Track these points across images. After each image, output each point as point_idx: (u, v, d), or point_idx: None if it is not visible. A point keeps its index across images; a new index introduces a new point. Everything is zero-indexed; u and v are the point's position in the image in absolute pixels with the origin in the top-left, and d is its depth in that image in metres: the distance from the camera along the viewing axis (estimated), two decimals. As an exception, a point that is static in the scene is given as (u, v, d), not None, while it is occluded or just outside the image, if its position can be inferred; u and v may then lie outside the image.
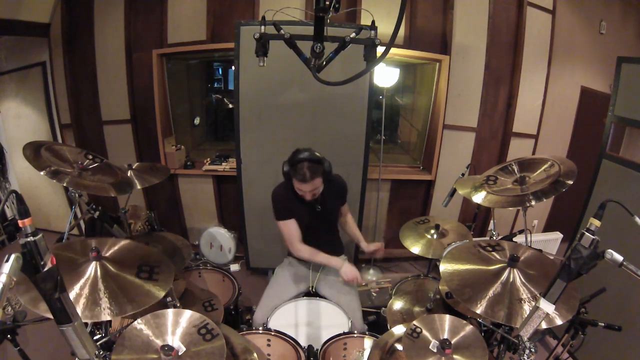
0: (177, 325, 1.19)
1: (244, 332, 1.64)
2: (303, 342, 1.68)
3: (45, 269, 0.85)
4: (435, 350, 1.26)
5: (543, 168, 1.76)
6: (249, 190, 2.95)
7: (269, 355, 1.64)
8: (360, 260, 3.48)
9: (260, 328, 1.71)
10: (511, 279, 1.33)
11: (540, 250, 1.54)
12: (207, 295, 2.01)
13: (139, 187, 2.26)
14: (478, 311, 1.23)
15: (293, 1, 2.63)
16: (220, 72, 4.39)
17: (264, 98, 2.70)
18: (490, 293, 1.28)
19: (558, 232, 3.23)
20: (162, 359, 1.08)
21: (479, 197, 1.80)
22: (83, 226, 3.23)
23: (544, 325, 1.18)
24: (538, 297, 1.04)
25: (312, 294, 2.08)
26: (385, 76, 2.96)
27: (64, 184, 1.66)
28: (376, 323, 2.21)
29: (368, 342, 1.66)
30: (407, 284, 2.39)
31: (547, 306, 1.02)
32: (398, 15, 0.97)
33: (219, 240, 3.39)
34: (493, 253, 1.47)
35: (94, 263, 1.26)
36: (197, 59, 3.89)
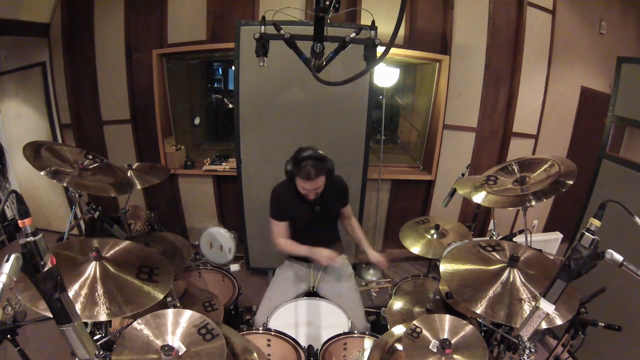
0: (177, 325, 1.19)
1: (244, 332, 1.64)
2: (303, 342, 1.68)
3: (45, 269, 0.85)
4: (435, 350, 1.26)
5: (543, 168, 1.77)
6: (249, 190, 2.95)
7: (269, 355, 1.64)
8: (360, 260, 3.48)
9: (260, 328, 1.71)
10: (511, 279, 1.33)
11: (540, 250, 1.54)
12: (207, 295, 2.01)
13: (139, 187, 2.26)
14: (478, 311, 1.23)
15: (293, 1, 2.63)
16: (220, 72, 4.39)
17: (264, 98, 2.70)
18: (490, 293, 1.28)
19: (558, 232, 3.23)
20: (162, 359, 1.09)
21: (479, 197, 1.80)
22: (83, 226, 3.24)
23: (544, 325, 1.18)
24: (538, 297, 1.04)
25: (313, 294, 2.08)
26: (385, 76, 2.96)
27: (64, 184, 1.66)
28: (376, 323, 2.21)
29: (368, 342, 1.66)
30: (407, 284, 2.39)
31: (547, 306, 1.02)
32: (398, 15, 0.97)
33: (219, 240, 3.39)
34: (493, 253, 1.47)
35: (93, 263, 1.26)
36: (197, 59, 3.89)
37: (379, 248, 3.66)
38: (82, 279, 1.20)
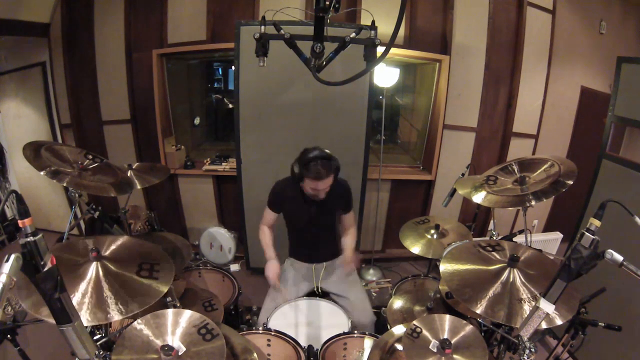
0: (177, 325, 1.19)
1: (244, 332, 1.64)
2: (303, 342, 1.68)
3: (45, 269, 0.85)
4: (435, 350, 1.26)
5: (543, 168, 1.77)
6: (249, 190, 2.95)
7: (269, 355, 1.64)
8: (360, 260, 3.48)
9: (260, 328, 1.71)
10: (511, 279, 1.33)
11: (540, 250, 1.54)
12: (207, 295, 2.01)
13: (139, 187, 2.26)
14: (478, 311, 1.23)
15: (293, 1, 2.64)
16: (220, 72, 4.39)
17: (264, 98, 2.70)
18: (490, 293, 1.28)
19: (558, 232, 3.23)
20: (162, 359, 1.09)
21: (479, 197, 1.80)
22: (83, 226, 3.24)
23: (544, 325, 1.18)
24: (538, 297, 1.04)
25: (318, 293, 2.08)
26: (385, 76, 2.96)
27: (64, 184, 1.66)
28: (376, 323, 2.21)
29: (368, 342, 1.66)
30: (407, 284, 2.39)
31: (547, 306, 1.02)
32: (398, 15, 0.97)
33: (219, 240, 3.39)
34: (493, 253, 1.47)
35: (94, 264, 1.26)
36: (197, 59, 3.89)
37: (379, 248, 3.66)
38: (86, 280, 1.20)
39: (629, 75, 2.12)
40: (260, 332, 1.67)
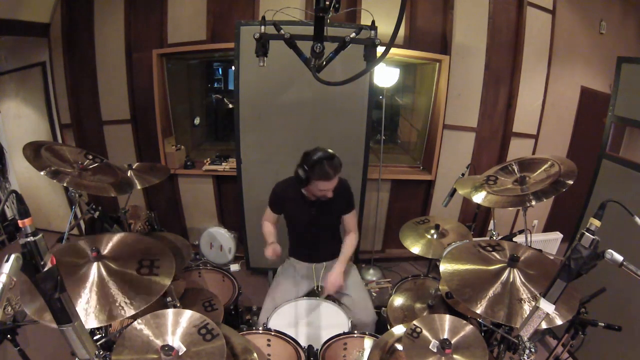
0: (177, 325, 1.19)
1: (244, 332, 1.64)
2: (303, 342, 1.68)
3: (45, 269, 0.85)
4: (435, 350, 1.26)
5: (543, 168, 1.77)
6: (249, 190, 2.95)
7: (269, 355, 1.64)
8: (361, 260, 3.48)
9: (260, 328, 1.71)
10: (511, 279, 1.33)
11: (540, 250, 1.54)
12: (207, 295, 2.01)
13: (139, 187, 2.26)
14: (478, 311, 1.23)
15: (293, 1, 2.64)
16: (220, 72, 4.39)
17: (264, 98, 2.70)
18: (490, 293, 1.28)
19: (558, 232, 3.23)
20: (162, 359, 1.09)
21: (479, 197, 1.80)
22: (83, 226, 3.24)
23: (544, 325, 1.18)
24: (538, 297, 1.04)
25: (318, 293, 2.08)
26: (385, 76, 2.96)
27: (64, 184, 1.66)
28: (376, 323, 2.21)
29: (368, 342, 1.66)
30: (407, 284, 2.39)
31: (547, 306, 1.02)
32: (398, 15, 0.97)
33: (219, 240, 3.39)
34: (493, 253, 1.47)
35: (95, 264, 1.26)
36: (197, 59, 3.89)
37: (379, 248, 3.66)
38: (90, 282, 1.21)
39: (629, 75, 2.12)
40: (260, 332, 1.67)
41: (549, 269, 1.37)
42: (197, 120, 3.92)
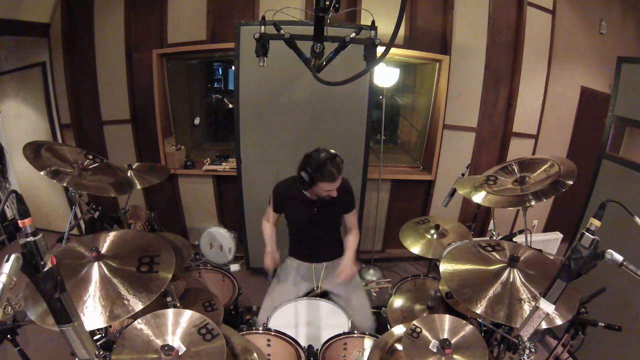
0: (177, 325, 1.19)
1: (244, 332, 1.64)
2: (303, 342, 1.68)
3: (45, 269, 0.85)
4: (435, 350, 1.26)
5: (543, 168, 1.77)
6: (249, 190, 2.95)
7: (269, 355, 1.64)
8: (361, 260, 3.48)
9: (260, 328, 1.71)
10: (511, 279, 1.33)
11: (540, 250, 1.54)
12: (207, 295, 2.01)
13: (139, 187, 2.27)
14: (478, 311, 1.23)
15: (293, 1, 2.64)
16: (220, 72, 4.39)
17: (264, 98, 2.70)
18: (490, 293, 1.28)
19: (558, 232, 3.23)
20: (162, 359, 1.09)
21: (479, 197, 1.80)
22: (83, 226, 3.24)
23: (544, 325, 1.18)
24: (538, 297, 1.04)
25: (318, 293, 2.08)
26: (385, 76, 2.96)
27: (64, 184, 1.66)
28: (376, 323, 2.21)
29: (368, 342, 1.66)
30: (407, 284, 2.39)
31: (547, 306, 1.02)
32: (398, 15, 0.97)
33: (219, 240, 3.39)
34: (493, 253, 1.47)
35: (96, 264, 1.26)
36: (197, 59, 3.89)
37: (379, 248, 3.66)
38: (93, 282, 1.21)
39: (629, 75, 2.12)
40: (260, 332, 1.67)
41: (549, 269, 1.37)
42: (197, 120, 3.92)
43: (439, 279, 2.03)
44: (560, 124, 3.52)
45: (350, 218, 2.15)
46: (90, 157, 1.91)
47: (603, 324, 1.53)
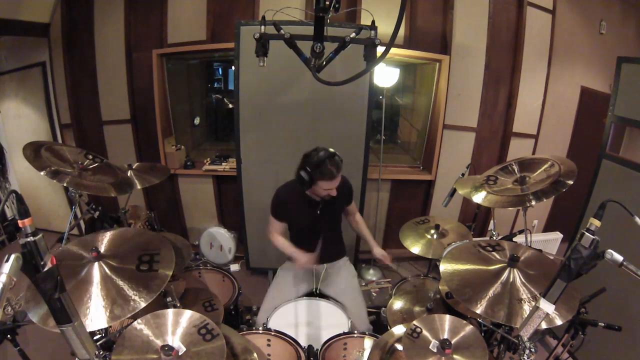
0: (177, 325, 1.19)
1: (244, 332, 1.64)
2: (303, 342, 1.68)
3: (45, 269, 0.85)
4: (435, 350, 1.26)
5: (543, 168, 1.77)
6: (249, 190, 2.95)
7: (269, 355, 1.64)
8: (360, 260, 3.48)
9: (260, 328, 1.71)
10: (511, 279, 1.33)
11: (540, 250, 1.54)
12: (207, 295, 2.01)
13: (139, 187, 2.27)
14: (478, 311, 1.23)
15: (293, 1, 2.64)
16: (220, 72, 4.39)
17: (264, 98, 2.70)
18: (490, 293, 1.28)
19: (558, 232, 3.23)
20: (162, 359, 1.08)
21: (479, 197, 1.80)
22: (83, 226, 3.24)
23: (544, 325, 1.18)
24: (538, 297, 1.04)
25: (316, 294, 2.08)
26: (385, 76, 2.96)
27: (64, 184, 1.66)
28: (376, 323, 2.21)
29: (368, 342, 1.66)
30: (407, 284, 2.39)
31: (547, 306, 1.02)
32: (398, 15, 0.97)
33: (219, 240, 3.39)
34: (493, 253, 1.47)
35: (96, 264, 1.26)
36: (197, 59, 3.89)
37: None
38: (94, 283, 1.21)
39: (629, 75, 2.12)
40: (260, 332, 1.67)
41: (549, 269, 1.37)
42: (197, 120, 3.92)
43: (439, 279, 2.03)
44: (560, 124, 3.52)
45: (351, 206, 2.24)
46: (90, 157, 1.91)
47: (603, 324, 1.53)
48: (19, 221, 0.83)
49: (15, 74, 3.38)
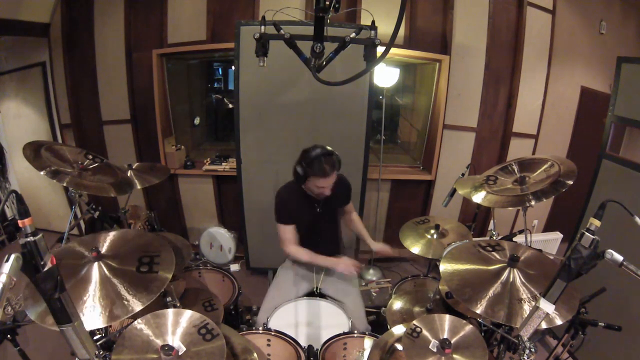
0: (177, 325, 1.19)
1: (244, 332, 1.64)
2: (303, 342, 1.68)
3: (45, 269, 0.85)
4: (435, 350, 1.26)
5: (543, 168, 1.77)
6: (249, 190, 2.95)
7: (269, 355, 1.64)
8: (360, 260, 3.48)
9: (260, 328, 1.71)
10: (511, 279, 1.33)
11: (540, 250, 1.54)
12: (207, 295, 2.01)
13: (139, 187, 2.26)
14: (478, 311, 1.23)
15: (293, 1, 2.64)
16: (220, 72, 4.39)
17: (264, 98, 2.70)
18: (490, 293, 1.28)
19: (558, 232, 3.22)
20: (162, 359, 1.08)
21: (479, 197, 1.80)
22: (83, 226, 3.24)
23: (544, 325, 1.18)
24: (538, 297, 1.04)
25: (316, 294, 2.08)
26: (385, 76, 2.96)
27: (64, 184, 1.66)
28: (376, 323, 2.21)
29: (368, 342, 1.66)
30: (407, 284, 2.39)
31: (547, 306, 1.02)
32: (398, 15, 0.97)
33: (219, 240, 3.39)
34: (493, 253, 1.47)
35: (96, 264, 1.26)
36: (197, 59, 3.89)
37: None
38: (93, 282, 1.21)
39: (629, 75, 2.12)
40: (260, 332, 1.67)
41: (549, 269, 1.37)
42: (197, 120, 3.92)
43: (439, 279, 2.03)
44: (560, 124, 3.52)
45: (349, 205, 2.25)
46: (90, 157, 1.91)
47: (603, 324, 1.53)
48: (19, 221, 0.83)
49: (15, 74, 3.38)
